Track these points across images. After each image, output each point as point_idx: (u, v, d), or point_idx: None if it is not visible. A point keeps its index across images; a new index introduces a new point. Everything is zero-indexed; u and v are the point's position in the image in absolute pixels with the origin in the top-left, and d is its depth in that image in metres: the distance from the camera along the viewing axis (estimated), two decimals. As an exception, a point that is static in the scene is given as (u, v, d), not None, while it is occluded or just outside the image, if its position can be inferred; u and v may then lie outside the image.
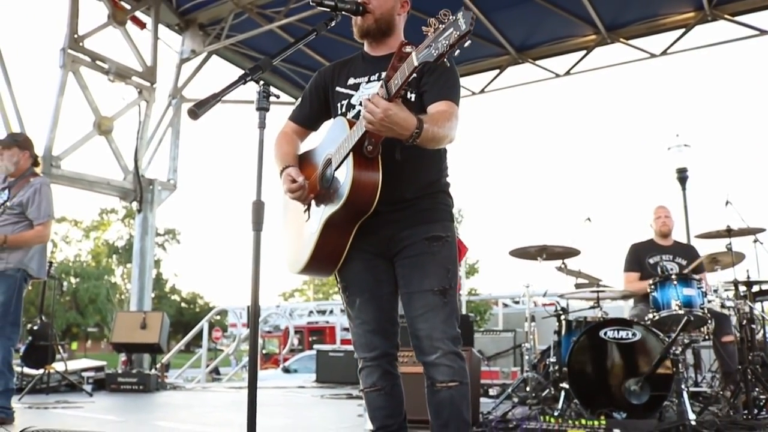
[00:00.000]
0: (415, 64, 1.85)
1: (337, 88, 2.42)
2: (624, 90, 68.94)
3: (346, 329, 15.12)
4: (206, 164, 65.13)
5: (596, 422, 3.56)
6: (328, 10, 2.24)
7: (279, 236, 2.55)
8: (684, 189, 9.10)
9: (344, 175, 2.12)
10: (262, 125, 2.10)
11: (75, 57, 8.11)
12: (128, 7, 8.80)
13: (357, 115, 2.20)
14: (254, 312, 2.02)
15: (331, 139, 2.30)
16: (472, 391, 2.25)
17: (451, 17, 1.77)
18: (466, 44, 1.76)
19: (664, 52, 8.63)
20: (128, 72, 8.76)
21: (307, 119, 2.52)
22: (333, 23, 2.31)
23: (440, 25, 1.79)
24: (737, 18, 8.05)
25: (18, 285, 4.24)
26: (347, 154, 2.11)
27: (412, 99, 2.24)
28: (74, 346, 35.26)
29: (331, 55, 9.01)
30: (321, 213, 2.23)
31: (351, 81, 2.40)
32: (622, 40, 8.70)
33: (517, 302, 11.85)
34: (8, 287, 4.20)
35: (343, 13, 2.27)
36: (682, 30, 8.35)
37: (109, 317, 35.90)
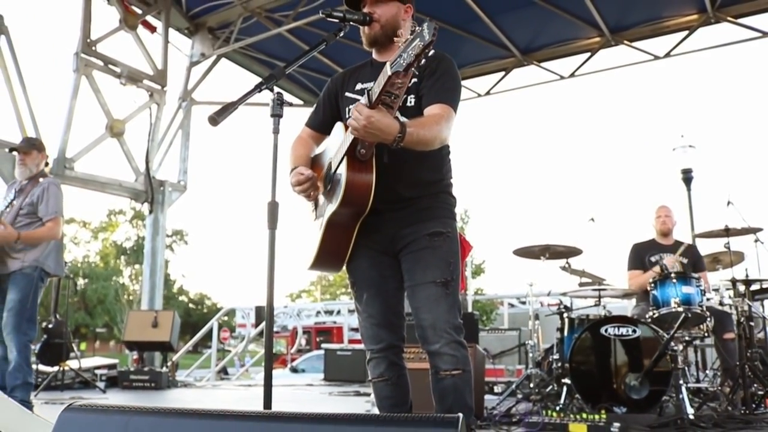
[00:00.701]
0: (389, 73, 1.95)
1: (346, 94, 2.55)
2: (628, 91, 68.57)
3: (354, 329, 15.18)
4: (213, 166, 65.37)
5: (597, 416, 3.65)
6: (337, 21, 2.37)
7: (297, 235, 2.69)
8: (689, 190, 9.13)
9: (340, 177, 2.26)
10: (276, 130, 2.23)
11: (88, 61, 8.25)
12: (139, 11, 8.93)
13: None
14: (269, 307, 2.14)
15: (333, 143, 2.44)
16: (476, 387, 2.37)
17: (417, 29, 1.88)
18: (431, 53, 1.88)
19: (667, 54, 8.67)
20: (139, 75, 8.89)
21: (321, 124, 2.65)
22: (341, 33, 2.44)
23: (408, 36, 1.91)
24: (740, 20, 8.09)
25: (35, 283, 4.34)
26: (342, 158, 2.25)
27: (412, 103, 2.36)
28: (83, 346, 35.37)
29: (339, 59, 9.13)
30: (325, 213, 2.37)
31: (359, 86, 2.53)
32: (626, 42, 8.75)
33: (523, 302, 11.90)
34: (25, 285, 4.31)
35: (351, 23, 2.40)
36: (686, 32, 8.40)
37: (118, 318, 36.04)
